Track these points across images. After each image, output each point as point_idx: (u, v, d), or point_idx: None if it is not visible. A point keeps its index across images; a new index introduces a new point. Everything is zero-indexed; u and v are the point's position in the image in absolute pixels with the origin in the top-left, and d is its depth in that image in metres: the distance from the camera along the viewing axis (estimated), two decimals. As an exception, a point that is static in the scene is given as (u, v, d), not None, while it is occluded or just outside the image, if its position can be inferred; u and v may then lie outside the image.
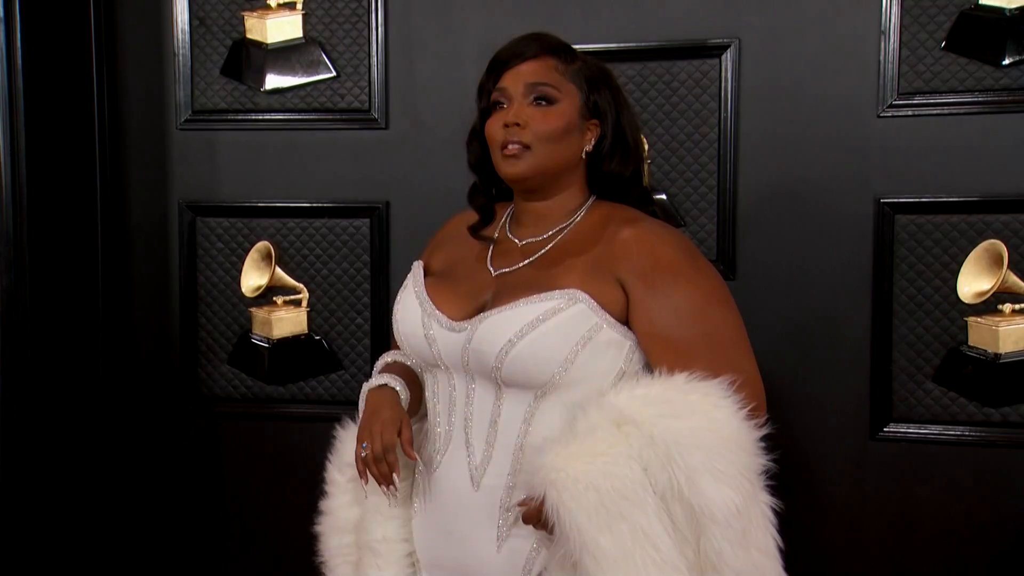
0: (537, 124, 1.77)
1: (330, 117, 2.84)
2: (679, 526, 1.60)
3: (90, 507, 2.92)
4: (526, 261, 1.81)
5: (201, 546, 2.99)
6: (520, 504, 1.66)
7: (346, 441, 1.96)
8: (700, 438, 1.60)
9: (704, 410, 1.63)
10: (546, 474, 1.60)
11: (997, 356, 2.49)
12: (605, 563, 1.55)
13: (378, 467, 1.77)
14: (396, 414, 1.81)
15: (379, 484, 1.79)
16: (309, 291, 2.90)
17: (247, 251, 2.91)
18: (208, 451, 2.98)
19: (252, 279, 2.91)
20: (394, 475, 1.77)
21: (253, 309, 2.93)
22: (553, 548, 1.63)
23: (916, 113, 2.51)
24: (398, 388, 1.85)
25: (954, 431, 2.55)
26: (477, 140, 1.89)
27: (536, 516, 1.63)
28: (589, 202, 1.86)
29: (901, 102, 2.51)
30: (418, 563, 1.90)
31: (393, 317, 1.90)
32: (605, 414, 1.64)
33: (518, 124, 1.77)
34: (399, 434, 1.78)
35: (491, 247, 1.87)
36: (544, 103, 1.79)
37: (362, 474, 1.81)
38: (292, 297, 2.91)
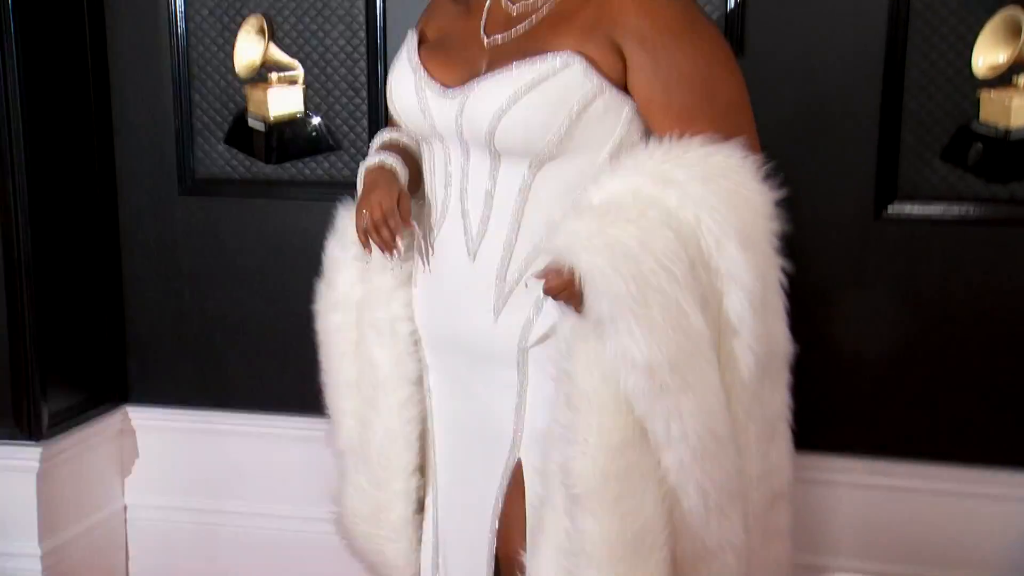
0: None
1: None
2: (704, 292, 1.60)
3: (88, 290, 2.95)
4: (520, 27, 1.75)
5: (199, 327, 3.02)
6: (541, 275, 1.61)
7: (347, 219, 1.95)
8: (729, 202, 1.60)
9: (729, 174, 1.61)
10: (579, 240, 1.56)
11: (1007, 132, 2.45)
12: (639, 332, 1.54)
13: (380, 233, 1.77)
14: (394, 187, 1.80)
15: (382, 251, 1.79)
16: (304, 69, 2.82)
17: (240, 25, 2.82)
18: (207, 232, 2.97)
19: (245, 55, 2.83)
20: (397, 239, 1.76)
21: (248, 88, 2.86)
22: (580, 319, 1.60)
23: None
24: (396, 166, 1.83)
25: (958, 208, 2.53)
26: None
27: (565, 285, 1.58)
28: None
29: None
30: (420, 339, 1.92)
31: (388, 86, 1.86)
32: (626, 180, 1.61)
33: None
34: (397, 203, 1.76)
35: (484, 15, 1.81)
36: None
37: (364, 243, 1.80)
38: (287, 75, 2.83)
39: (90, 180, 2.92)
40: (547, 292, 1.62)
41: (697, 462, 1.57)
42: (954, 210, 2.53)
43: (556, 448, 1.66)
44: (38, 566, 2.77)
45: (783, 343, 1.70)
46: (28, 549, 2.76)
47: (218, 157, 2.92)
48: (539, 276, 1.62)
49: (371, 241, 1.80)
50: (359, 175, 1.87)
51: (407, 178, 1.85)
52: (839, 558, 2.70)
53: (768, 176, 1.66)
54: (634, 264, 1.54)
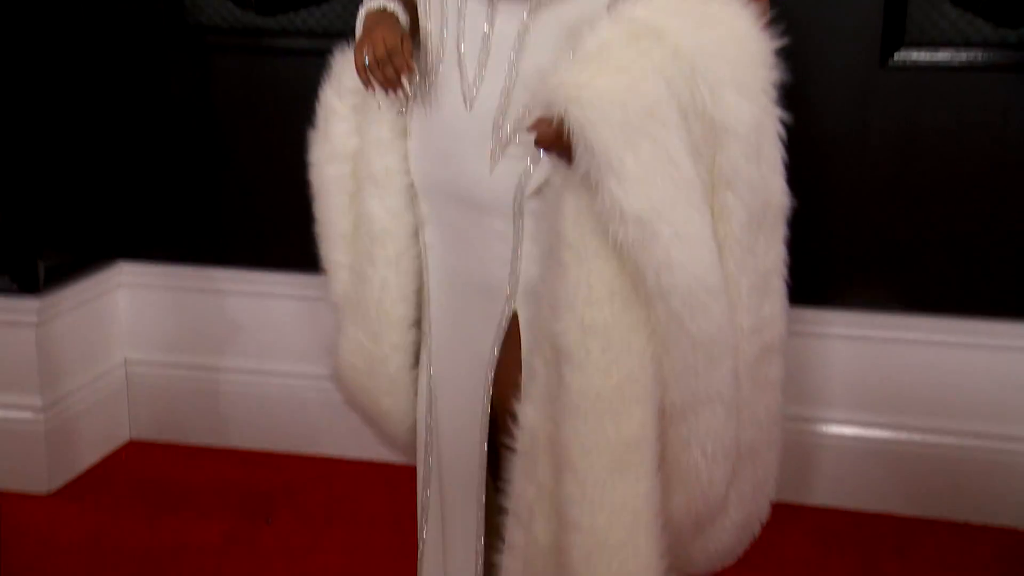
0: None
1: None
2: (696, 143, 1.56)
3: (83, 145, 2.92)
4: None
5: (193, 182, 3.00)
6: (533, 126, 1.58)
7: (344, 65, 1.89)
8: (725, 50, 1.55)
9: (726, 20, 1.56)
10: (567, 91, 1.52)
11: (1020, -27, 2.38)
12: (627, 182, 1.51)
13: (383, 70, 1.72)
14: (397, 27, 1.74)
15: (385, 90, 1.74)
16: (294, -91, 2.75)
17: None
18: (199, 84, 2.92)
19: None
20: (403, 77, 1.71)
21: (236, -70, 2.79)
22: (569, 171, 1.57)
23: None
24: (397, 11, 1.77)
25: (966, 54, 2.46)
26: None
27: (553, 136, 1.55)
28: None
29: None
30: (416, 191, 1.89)
31: None
32: (620, 28, 1.55)
33: None
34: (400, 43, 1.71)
35: None
36: None
37: (366, 82, 1.75)
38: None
39: (80, 32, 2.86)
40: (538, 144, 1.59)
41: (687, 312, 1.56)
42: (962, 56, 2.47)
43: (544, 299, 1.66)
44: (40, 417, 2.82)
45: (779, 196, 1.67)
46: (28, 401, 2.81)
47: (207, 6, 2.85)
48: (530, 127, 1.59)
49: (373, 81, 1.75)
50: (359, 18, 1.81)
51: (408, 24, 1.80)
52: (832, 410, 2.74)
53: (769, 23, 1.60)
54: (622, 114, 1.51)
